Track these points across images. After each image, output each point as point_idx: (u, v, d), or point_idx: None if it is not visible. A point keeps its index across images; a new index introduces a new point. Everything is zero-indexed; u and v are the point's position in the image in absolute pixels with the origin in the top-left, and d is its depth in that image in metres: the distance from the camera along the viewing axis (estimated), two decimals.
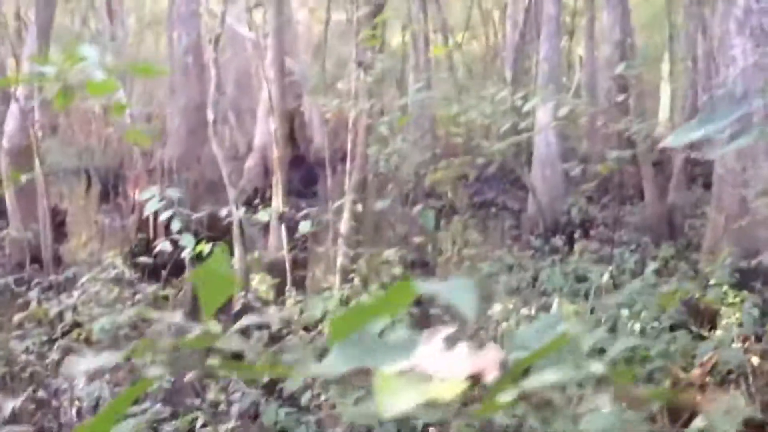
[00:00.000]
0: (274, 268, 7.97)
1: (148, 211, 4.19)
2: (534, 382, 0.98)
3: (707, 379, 4.05)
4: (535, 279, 9.15)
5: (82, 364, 0.88)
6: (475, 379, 0.67)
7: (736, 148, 1.99)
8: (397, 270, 5.61)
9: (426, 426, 4.08)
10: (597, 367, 1.10)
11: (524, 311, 6.71)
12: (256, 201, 12.60)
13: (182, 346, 0.88)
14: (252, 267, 7.75)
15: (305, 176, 17.58)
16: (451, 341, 0.74)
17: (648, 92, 25.61)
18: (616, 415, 0.98)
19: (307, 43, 24.52)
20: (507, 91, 5.23)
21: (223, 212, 4.79)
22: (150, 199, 3.94)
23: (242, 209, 6.93)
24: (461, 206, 16.60)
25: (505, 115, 5.33)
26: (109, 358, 0.84)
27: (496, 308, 6.79)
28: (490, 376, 0.67)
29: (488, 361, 0.68)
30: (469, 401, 0.82)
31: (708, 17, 13.93)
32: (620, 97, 9.04)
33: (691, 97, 12.08)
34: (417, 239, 6.53)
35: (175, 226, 4.40)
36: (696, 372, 4.01)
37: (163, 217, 4.31)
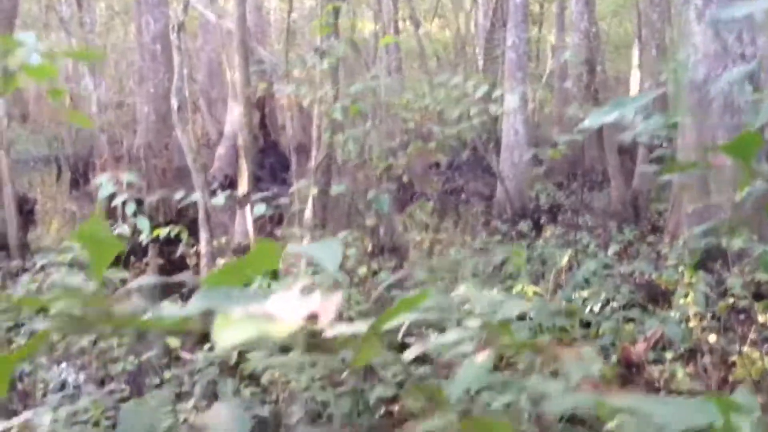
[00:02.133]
0: (241, 253, 8.01)
1: (101, 196, 4.22)
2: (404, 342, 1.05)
3: (650, 353, 4.17)
4: (502, 263, 9.26)
5: None
6: (312, 320, 0.74)
7: (644, 130, 2.07)
8: (352, 251, 5.67)
9: (381, 400, 4.17)
10: (473, 323, 1.18)
11: (487, 293, 6.80)
12: (228, 188, 12.61)
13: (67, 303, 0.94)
14: (218, 252, 7.78)
15: (276, 164, 17.59)
16: (307, 291, 0.80)
17: (621, 79, 25.87)
18: (488, 365, 1.05)
19: (280, 32, 24.46)
20: (459, 78, 5.30)
21: (178, 196, 4.81)
22: (104, 183, 3.96)
23: (206, 193, 6.95)
24: (431, 192, 16.72)
25: (459, 101, 5.40)
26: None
27: (460, 290, 6.89)
28: (326, 318, 0.73)
29: (327, 305, 0.75)
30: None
31: (673, 5, 14.08)
32: (586, 84, 9.11)
33: (656, 83, 12.22)
34: (369, 222, 6.60)
35: (129, 210, 4.43)
36: (640, 346, 4.12)
37: (116, 201, 4.34)
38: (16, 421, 3.44)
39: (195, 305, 0.78)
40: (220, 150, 18.22)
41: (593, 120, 2.02)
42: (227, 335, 0.69)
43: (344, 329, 1.03)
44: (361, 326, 0.96)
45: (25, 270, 8.17)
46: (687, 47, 8.53)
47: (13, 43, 2.35)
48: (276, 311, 0.75)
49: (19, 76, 2.62)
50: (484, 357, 1.12)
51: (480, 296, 1.36)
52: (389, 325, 1.06)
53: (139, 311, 1.02)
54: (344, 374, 4.89)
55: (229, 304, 0.76)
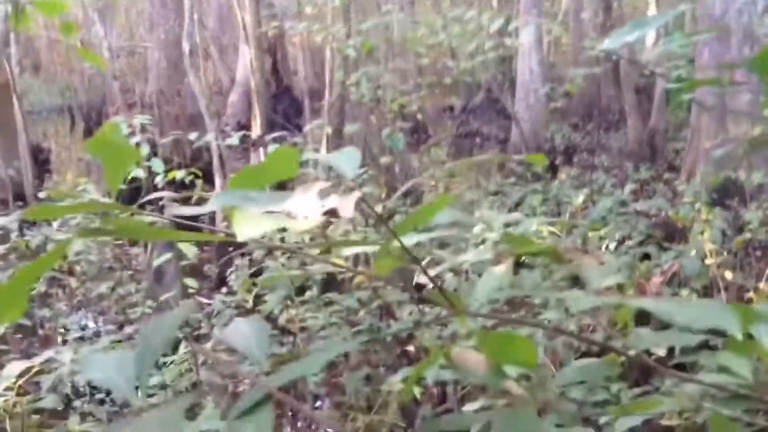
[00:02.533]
0: None
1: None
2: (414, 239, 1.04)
3: (665, 288, 4.17)
4: (517, 204, 9.24)
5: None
6: (332, 215, 0.73)
7: (660, 52, 2.04)
8: (367, 189, 5.65)
9: (396, 339, 4.21)
10: (492, 235, 1.17)
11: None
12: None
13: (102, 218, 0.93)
14: None
15: (290, 108, 17.50)
16: (325, 193, 0.80)
17: (638, 15, 25.36)
18: (509, 275, 1.05)
19: None
20: (474, 12, 5.20)
21: (192, 136, 4.80)
22: (117, 125, 3.94)
23: (219, 135, 6.94)
24: (446, 136, 16.62)
25: (474, 36, 5.30)
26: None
27: (475, 230, 6.90)
28: (345, 212, 0.73)
29: (345, 202, 0.74)
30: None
31: None
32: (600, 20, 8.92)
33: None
34: (384, 159, 6.56)
35: (143, 151, 4.43)
36: (656, 280, 4.12)
37: (131, 142, 4.33)
38: (38, 360, 3.50)
39: (215, 202, 0.77)
40: (233, 96, 18.13)
41: (614, 41, 1.98)
42: (248, 227, 0.68)
43: (365, 237, 1.02)
44: (377, 239, 0.95)
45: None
46: None
47: None
48: (296, 209, 0.74)
49: (28, 12, 2.59)
50: (503, 267, 1.11)
51: (498, 216, 1.35)
52: (410, 239, 1.06)
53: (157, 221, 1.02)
54: (360, 313, 4.94)
55: (249, 204, 0.75)
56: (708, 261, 5.31)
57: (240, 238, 0.68)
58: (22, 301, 0.94)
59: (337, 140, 6.99)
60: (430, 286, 1.56)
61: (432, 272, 1.49)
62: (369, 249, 1.17)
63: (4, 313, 0.84)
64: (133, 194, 7.94)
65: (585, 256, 0.98)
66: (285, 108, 17.43)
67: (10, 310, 0.84)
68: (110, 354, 0.89)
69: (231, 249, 6.91)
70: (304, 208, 0.73)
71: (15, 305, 0.84)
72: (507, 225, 1.34)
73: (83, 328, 6.39)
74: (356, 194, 0.77)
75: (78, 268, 7.02)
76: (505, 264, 1.08)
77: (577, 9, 16.60)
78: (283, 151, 0.86)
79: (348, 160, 0.90)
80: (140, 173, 4.65)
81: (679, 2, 12.23)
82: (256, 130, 7.91)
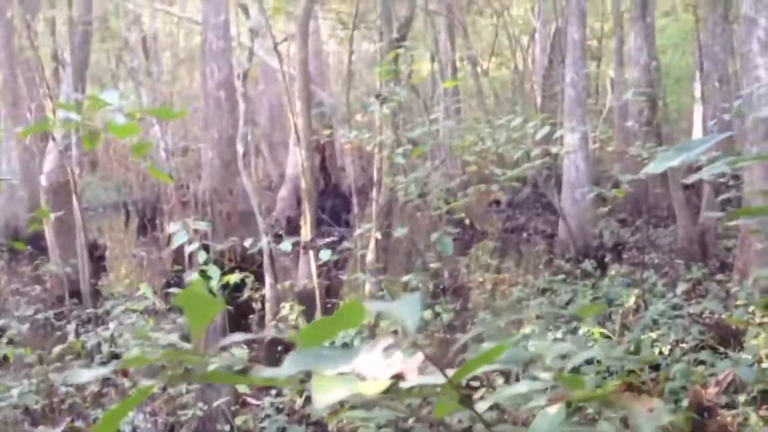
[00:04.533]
0: (305, 297, 8.11)
1: (175, 243, 4.34)
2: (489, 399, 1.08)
3: (722, 397, 4.07)
4: (567, 303, 9.15)
5: (83, 375, 1.01)
6: (399, 378, 0.78)
7: (705, 175, 2.08)
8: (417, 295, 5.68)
9: None
10: (545, 375, 1.20)
11: (551, 335, 6.73)
12: (290, 230, 12.80)
13: (167, 359, 1.00)
14: (282, 295, 7.89)
15: (337, 205, 17.79)
16: (390, 350, 0.85)
17: (683, 112, 25.48)
18: (561, 416, 1.07)
19: (338, 74, 24.90)
20: (520, 120, 5.31)
21: (247, 243, 4.93)
22: (177, 232, 4.08)
23: (271, 239, 7.09)
24: (492, 231, 16.65)
25: (520, 143, 5.41)
26: (101, 371, 0.97)
27: (526, 330, 6.83)
28: (411, 377, 0.78)
29: (410, 365, 0.79)
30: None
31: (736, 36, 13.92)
32: (647, 120, 9.00)
33: (720, 118, 12.01)
34: (433, 265, 6.61)
35: (201, 257, 4.56)
36: (711, 390, 4.03)
37: (190, 249, 4.46)
38: None
39: (291, 366, 0.83)
40: (283, 192, 18.52)
41: (658, 165, 2.03)
42: (326, 395, 0.74)
43: (423, 380, 1.07)
44: (438, 377, 1.00)
45: (97, 317, 8.41)
46: (751, 80, 8.39)
47: (98, 102, 2.48)
48: (364, 370, 0.79)
49: (102, 133, 2.75)
50: (556, 408, 1.14)
51: (549, 346, 1.38)
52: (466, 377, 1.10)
53: (235, 367, 1.08)
54: (410, 420, 4.89)
55: (321, 364, 0.81)
56: (765, 365, 5.18)
57: (317, 406, 0.73)
58: None
59: (385, 242, 7.09)
60: (487, 400, 1.58)
61: (488, 402, 1.52)
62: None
63: None
64: None
65: (636, 401, 1.01)
66: (333, 205, 17.73)
67: None
68: None
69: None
70: (373, 369, 0.79)
71: None
72: (562, 356, 1.36)
73: (134, 430, 6.41)
74: (420, 356, 0.82)
75: (131, 368, 7.10)
76: (558, 405, 1.11)
77: (622, 106, 16.77)
78: (352, 304, 0.92)
79: (409, 311, 0.96)
80: (194, 277, 4.76)
81: (724, 101, 12.27)
82: (305, 231, 8.06)
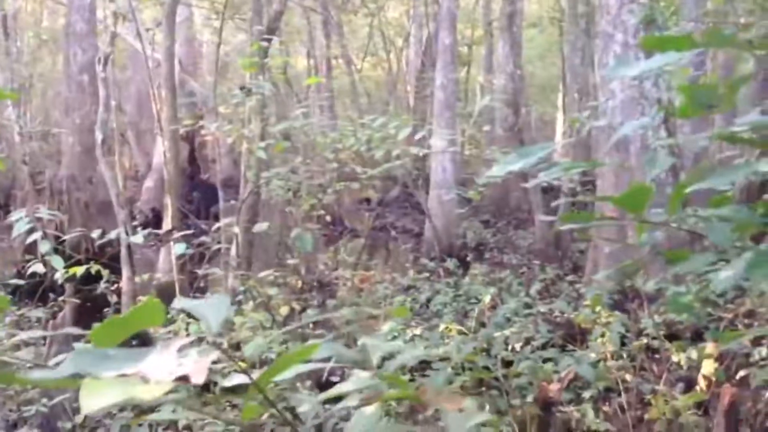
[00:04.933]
0: (164, 291, 7.87)
1: (16, 233, 4.10)
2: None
3: (566, 394, 4.26)
4: (429, 300, 9.35)
5: None
6: (184, 381, 0.76)
7: (539, 182, 2.16)
8: (273, 290, 5.64)
9: None
10: (364, 374, 1.21)
11: (410, 331, 6.85)
12: (154, 222, 12.41)
13: None
14: (141, 289, 7.64)
15: (205, 198, 17.40)
16: (183, 350, 0.82)
17: (547, 120, 26.58)
18: (377, 415, 1.08)
19: (212, 64, 24.32)
20: (383, 119, 5.37)
21: (95, 234, 4.73)
22: (18, 220, 3.85)
23: (129, 230, 6.84)
24: (362, 229, 16.78)
25: (383, 142, 5.47)
26: None
27: (385, 328, 6.92)
28: (197, 378, 0.75)
29: (198, 366, 0.77)
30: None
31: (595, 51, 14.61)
32: (510, 125, 9.33)
33: (579, 127, 12.59)
34: (290, 261, 6.60)
35: (43, 248, 4.32)
36: (554, 386, 4.21)
37: (32, 238, 4.23)
38: None
39: (68, 366, 0.78)
40: (148, 183, 17.96)
41: (498, 170, 2.09)
42: (93, 400, 0.70)
43: (235, 380, 1.05)
44: (244, 378, 0.98)
45: None
46: (606, 92, 8.83)
47: None
48: (149, 372, 0.76)
49: None
50: (372, 408, 1.15)
51: (378, 345, 1.39)
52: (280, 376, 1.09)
53: (31, 364, 1.02)
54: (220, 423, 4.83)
55: (102, 366, 0.77)
56: (609, 363, 5.47)
57: (84, 411, 0.70)
58: None
59: (250, 236, 6.99)
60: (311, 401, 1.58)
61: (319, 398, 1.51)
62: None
63: None
64: (34, 288, 7.72)
65: (446, 401, 1.02)
66: (201, 196, 17.34)
67: None
68: None
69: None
70: (158, 371, 0.76)
71: None
72: (388, 357, 1.38)
73: None
74: (212, 356, 0.80)
75: None
76: (374, 406, 1.11)
77: (489, 112, 17.28)
78: (149, 302, 0.89)
79: (215, 311, 0.93)
80: (40, 268, 4.52)
81: (582, 111, 12.86)
82: (167, 222, 7.83)
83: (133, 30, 14.54)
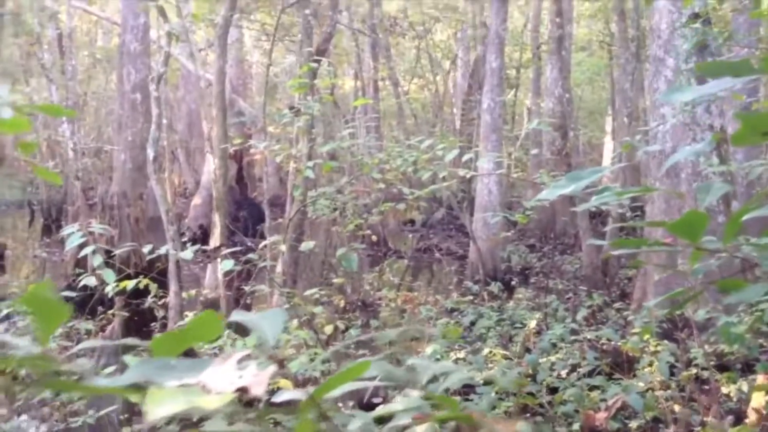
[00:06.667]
0: (211, 307, 7.96)
1: (68, 246, 4.20)
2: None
3: (613, 422, 4.19)
4: (472, 324, 9.28)
5: None
6: (243, 392, 0.77)
7: (590, 206, 2.14)
8: (318, 309, 5.67)
9: None
10: (414, 393, 1.21)
11: (454, 354, 6.81)
12: (201, 239, 12.59)
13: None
14: (189, 305, 7.74)
15: (252, 216, 17.58)
16: (243, 363, 0.83)
17: (594, 144, 26.32)
18: None
19: (261, 85, 24.69)
20: (430, 141, 5.38)
21: (146, 249, 4.81)
22: (71, 234, 3.95)
23: (177, 246, 6.94)
24: (405, 250, 16.77)
25: (430, 163, 5.47)
26: None
27: (428, 350, 6.90)
28: (257, 390, 0.76)
29: (258, 378, 0.78)
30: None
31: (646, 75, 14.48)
32: (558, 149, 9.26)
33: (629, 152, 12.46)
34: (336, 280, 6.62)
35: (96, 261, 4.42)
36: (601, 414, 4.14)
37: (84, 252, 4.33)
38: None
39: (132, 375, 0.80)
40: (196, 200, 18.21)
41: (549, 193, 2.08)
42: (158, 408, 0.71)
43: (287, 396, 1.06)
44: (300, 394, 0.99)
45: None
46: (657, 117, 8.73)
47: None
48: (210, 382, 0.77)
49: None
50: (423, 428, 1.14)
51: (428, 365, 1.39)
52: (331, 393, 1.09)
53: (85, 374, 1.04)
54: None
55: (164, 375, 0.78)
56: (657, 393, 5.37)
57: (150, 418, 0.71)
58: None
59: (295, 255, 7.04)
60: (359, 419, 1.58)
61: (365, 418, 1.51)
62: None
63: None
64: (84, 301, 7.87)
65: (499, 424, 1.02)
66: (248, 214, 17.54)
67: None
68: None
69: None
70: (219, 382, 0.77)
71: None
72: (434, 379, 1.37)
73: None
74: (271, 369, 0.81)
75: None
76: (426, 426, 1.11)
77: (536, 135, 17.20)
78: (207, 315, 0.90)
79: (271, 324, 0.94)
80: (92, 281, 4.62)
81: (632, 136, 12.74)
82: (214, 239, 7.93)
83: (186, 51, 14.85)
